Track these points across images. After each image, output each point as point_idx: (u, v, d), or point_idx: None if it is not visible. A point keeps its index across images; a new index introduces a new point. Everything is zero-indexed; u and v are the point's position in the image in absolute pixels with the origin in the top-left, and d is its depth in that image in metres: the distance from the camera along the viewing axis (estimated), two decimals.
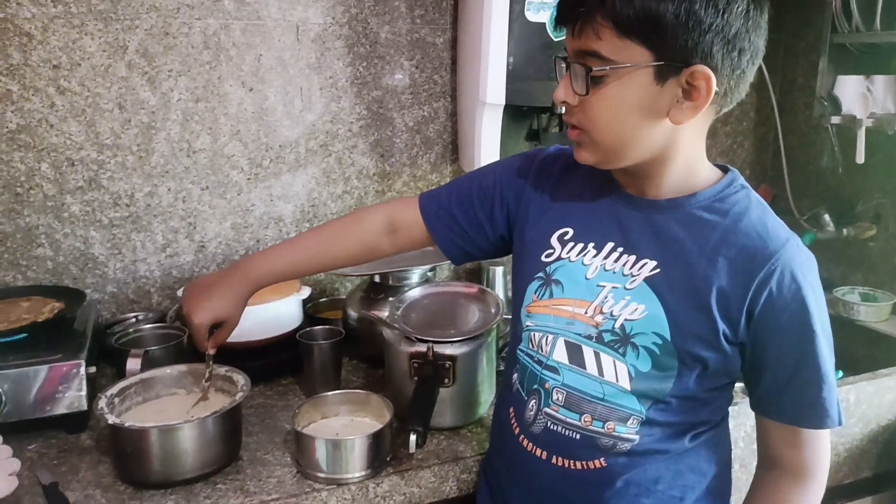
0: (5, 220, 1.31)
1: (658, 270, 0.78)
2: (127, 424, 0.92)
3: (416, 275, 1.34)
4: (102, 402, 0.97)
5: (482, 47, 1.32)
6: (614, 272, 0.81)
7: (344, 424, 1.06)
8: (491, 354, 1.11)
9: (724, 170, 0.82)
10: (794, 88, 1.83)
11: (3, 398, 1.03)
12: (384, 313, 1.28)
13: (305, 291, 1.35)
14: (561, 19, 0.75)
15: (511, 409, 0.89)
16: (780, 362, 0.77)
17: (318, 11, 1.41)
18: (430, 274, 1.38)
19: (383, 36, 1.46)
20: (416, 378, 1.05)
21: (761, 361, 0.78)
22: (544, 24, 1.30)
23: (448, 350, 1.05)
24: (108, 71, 1.31)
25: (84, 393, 1.08)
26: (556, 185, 0.90)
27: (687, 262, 0.77)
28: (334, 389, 1.18)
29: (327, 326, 1.24)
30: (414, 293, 1.19)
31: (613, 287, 0.80)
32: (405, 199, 1.02)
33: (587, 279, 0.82)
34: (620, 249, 0.81)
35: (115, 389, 1.01)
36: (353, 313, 1.33)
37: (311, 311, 1.47)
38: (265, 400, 1.21)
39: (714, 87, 0.71)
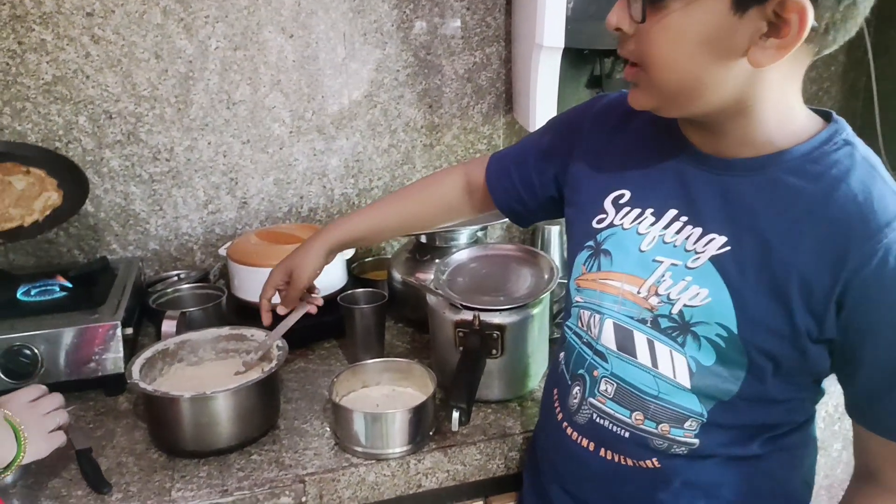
0: None
1: (727, 248, 0.65)
2: (158, 393, 0.88)
3: (464, 235, 1.25)
4: (135, 368, 0.93)
5: None
6: (675, 245, 0.68)
7: (385, 395, 1.00)
8: (543, 323, 1.03)
9: (827, 118, 0.67)
10: (891, 27, 1.63)
11: (41, 359, 1.01)
12: (429, 276, 1.20)
13: (349, 251, 1.29)
14: None
15: (555, 391, 0.81)
16: (877, 364, 0.62)
17: None
18: (480, 234, 1.29)
19: None
20: (461, 348, 0.97)
21: (855, 361, 0.64)
22: None
23: (496, 319, 0.97)
24: (143, 18, 1.24)
25: (121, 355, 1.05)
26: (613, 137, 0.78)
27: (763, 240, 0.64)
28: (377, 355, 1.13)
29: (370, 289, 1.17)
30: (461, 256, 1.11)
31: (672, 264, 0.68)
32: (482, 158, 0.97)
33: (641, 251, 0.70)
34: (684, 219, 0.68)
35: (148, 353, 0.98)
36: (397, 275, 1.26)
37: (357, 271, 1.41)
38: (306, 364, 1.16)
39: (810, 21, 0.55)
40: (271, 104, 1.36)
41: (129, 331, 1.08)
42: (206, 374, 1.01)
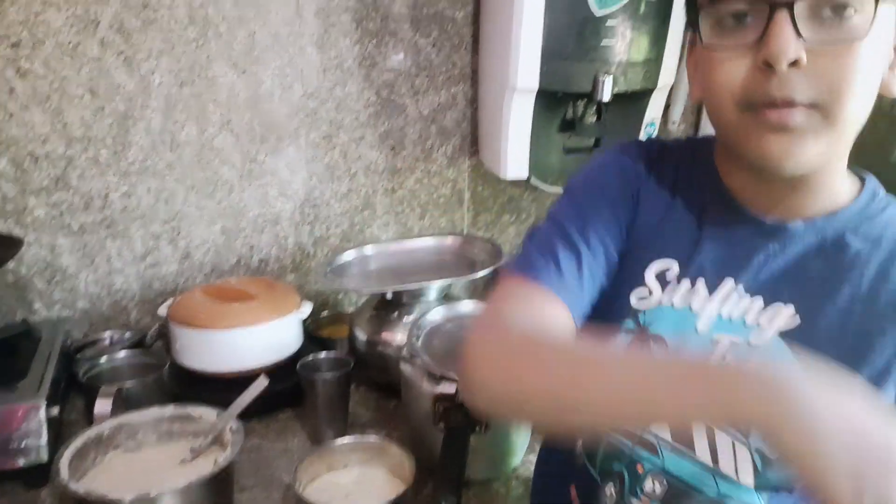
0: None
1: (797, 320, 0.59)
2: (93, 497, 0.74)
3: (433, 290, 1.15)
4: (63, 462, 0.78)
5: (513, 23, 1.12)
6: (732, 320, 0.61)
7: (354, 481, 0.88)
8: None
9: (858, 176, 0.63)
10: None
11: None
12: (396, 336, 1.11)
13: (306, 308, 1.17)
14: None
15: (572, 489, 0.71)
16: None
17: None
18: (450, 288, 1.19)
19: (396, 9, 1.26)
20: (442, 425, 0.87)
21: None
22: None
23: None
24: (78, 50, 1.11)
25: (45, 441, 0.90)
26: (651, 195, 0.67)
27: (838, 310, 0.58)
28: (341, 427, 1.01)
29: (333, 354, 1.06)
30: (435, 316, 1.01)
31: (733, 341, 0.60)
32: (529, 295, 0.66)
33: (698, 332, 0.62)
34: (742, 289, 0.61)
35: (79, 442, 0.83)
36: (361, 335, 1.14)
37: (312, 328, 1.29)
38: (261, 440, 1.03)
39: None
40: (220, 146, 1.23)
41: (55, 411, 0.93)
42: (148, 463, 0.87)
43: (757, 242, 0.62)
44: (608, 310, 0.66)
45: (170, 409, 0.91)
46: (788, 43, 0.50)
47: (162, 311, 1.15)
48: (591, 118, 1.28)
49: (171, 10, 1.13)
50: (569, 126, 1.28)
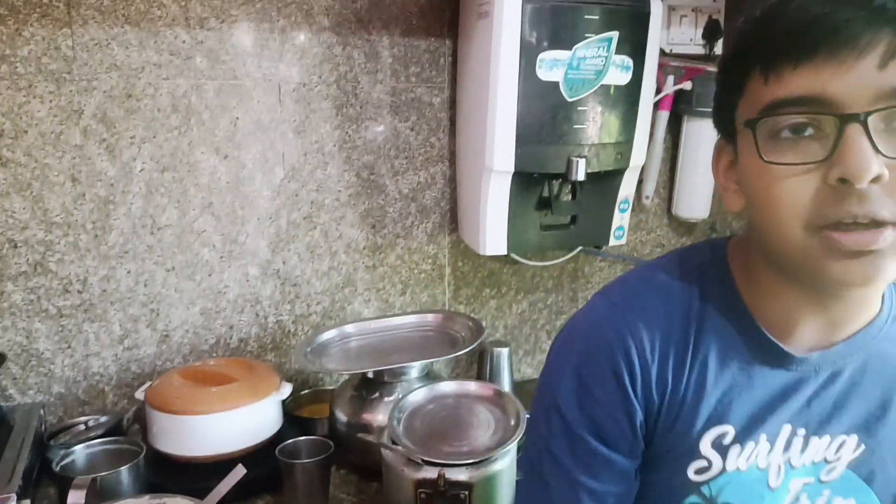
0: None
1: (862, 448, 0.57)
2: None
3: (415, 369, 1.15)
4: None
5: (488, 109, 1.17)
6: (804, 465, 0.59)
7: None
8: (511, 478, 0.93)
9: None
10: None
11: None
12: (377, 417, 1.10)
13: (286, 389, 1.16)
14: (842, 41, 0.47)
15: None
16: None
17: (304, 69, 1.25)
18: (432, 366, 1.20)
19: (375, 96, 1.31)
20: None
21: None
22: (557, 83, 1.15)
23: (462, 476, 0.86)
24: (60, 138, 1.13)
25: None
26: (658, 374, 0.60)
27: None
28: None
29: (312, 438, 1.05)
30: (417, 397, 1.01)
31: (805, 483, 0.58)
32: None
33: (772, 489, 0.59)
34: (803, 432, 0.59)
35: None
36: (341, 416, 1.13)
37: (292, 407, 1.28)
38: None
39: None
40: (201, 228, 1.25)
41: (27, 503, 0.91)
42: None
43: (805, 378, 0.58)
44: (665, 489, 0.62)
45: (145, 500, 0.89)
46: (869, 159, 0.46)
47: (139, 394, 1.14)
48: (566, 196, 1.32)
49: (154, 100, 1.17)
50: (545, 204, 1.31)
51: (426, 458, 0.87)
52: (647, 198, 1.56)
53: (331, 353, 1.19)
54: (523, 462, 0.67)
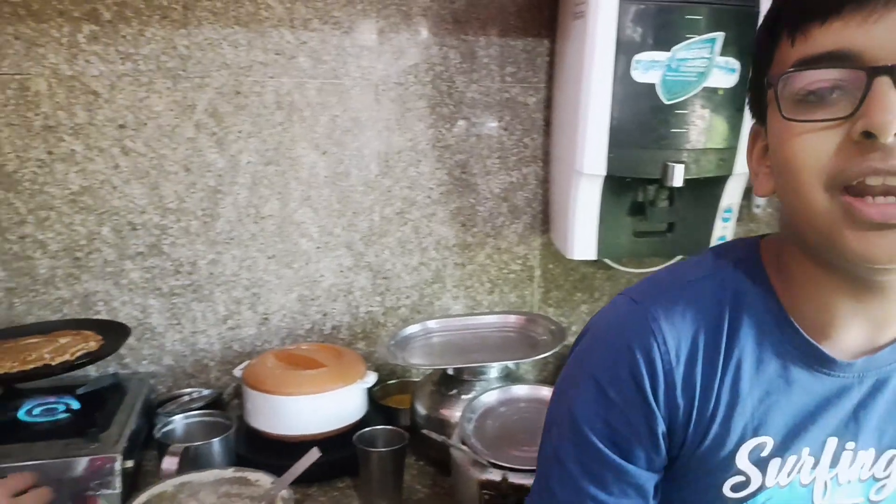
0: (64, 285, 1.25)
1: None
2: None
3: (494, 369, 1.16)
4: None
5: (580, 111, 1.15)
6: (850, 482, 0.55)
7: None
8: None
9: None
10: None
11: None
12: (454, 413, 1.11)
13: (371, 378, 1.20)
14: None
15: None
16: None
17: (400, 69, 1.28)
18: (512, 367, 1.20)
19: (469, 95, 1.32)
20: None
21: None
22: (653, 85, 1.12)
23: (526, 480, 0.86)
24: (175, 131, 1.23)
25: (119, 492, 0.97)
26: (704, 375, 0.56)
27: None
28: (395, 501, 1.03)
29: (390, 428, 1.08)
30: (489, 398, 1.02)
31: (853, 503, 0.55)
32: None
33: None
34: (851, 445, 0.55)
35: (144, 498, 0.88)
36: (421, 410, 1.16)
37: (379, 395, 1.32)
38: None
39: None
40: (300, 219, 1.31)
41: (130, 464, 1.00)
42: None
43: (848, 386, 0.55)
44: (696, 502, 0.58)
45: (230, 472, 0.95)
46: (894, 111, 0.44)
47: (237, 372, 1.22)
48: (663, 202, 1.27)
49: (260, 97, 1.24)
50: (639, 210, 1.27)
51: (492, 461, 0.88)
52: (757, 207, 1.48)
53: (413, 348, 1.22)
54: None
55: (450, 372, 1.17)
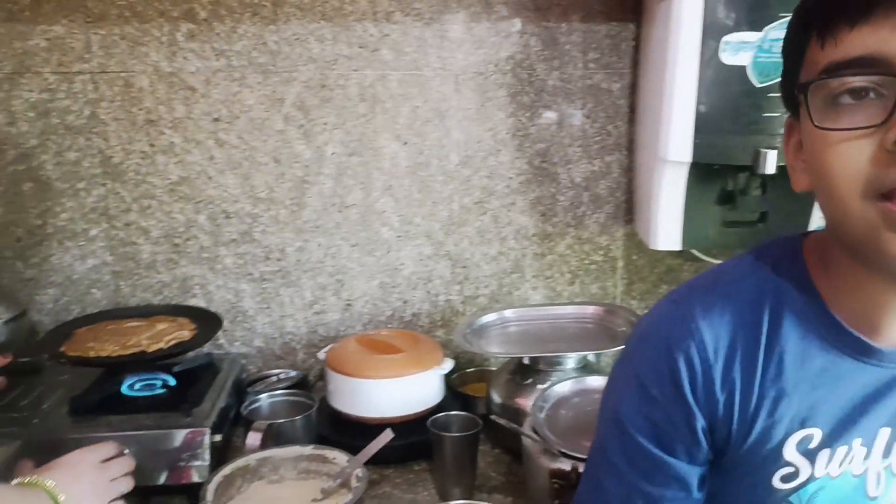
0: (164, 269, 1.33)
1: None
2: None
3: (571, 360, 1.14)
4: (211, 487, 0.89)
5: (665, 96, 1.11)
6: None
7: None
8: None
9: None
10: None
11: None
12: (529, 403, 1.11)
13: (448, 364, 1.22)
14: None
15: None
16: None
17: (480, 59, 1.29)
18: (591, 358, 1.18)
19: (551, 83, 1.31)
20: (556, 502, 0.86)
21: None
22: (744, 67, 1.06)
23: None
24: (265, 124, 1.28)
25: (207, 463, 1.03)
26: (745, 369, 0.57)
27: None
28: (468, 487, 1.04)
29: (464, 414, 1.09)
30: (563, 388, 1.01)
31: None
32: None
33: (871, 498, 0.55)
34: None
35: (227, 470, 0.94)
36: (496, 398, 1.17)
37: (458, 382, 1.33)
38: (391, 489, 1.08)
39: None
40: (382, 209, 1.35)
41: (218, 438, 1.06)
42: (285, 496, 0.96)
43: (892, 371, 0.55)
44: (750, 501, 0.58)
45: (309, 449, 1.00)
46: None
47: (321, 355, 1.26)
48: (755, 191, 1.21)
49: (344, 90, 1.28)
50: (729, 198, 1.22)
51: (562, 450, 0.87)
52: None
53: (489, 336, 1.23)
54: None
55: (525, 361, 1.17)
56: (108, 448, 0.80)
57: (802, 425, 0.56)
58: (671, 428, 0.58)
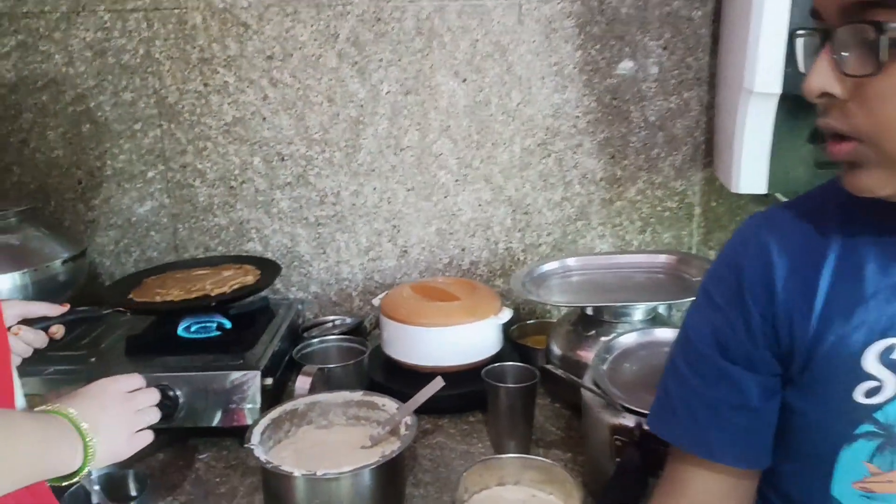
0: (220, 212, 1.32)
1: None
2: (269, 465, 0.81)
3: (639, 311, 1.06)
4: (257, 430, 0.87)
5: (752, 20, 0.99)
6: None
7: (522, 500, 0.84)
8: None
9: None
10: None
11: (180, 402, 1.00)
12: (591, 356, 1.04)
13: (506, 314, 1.16)
14: None
15: None
16: None
17: None
18: (661, 311, 1.09)
19: (624, 11, 1.20)
20: (617, 460, 0.80)
21: None
22: None
23: None
24: (319, 61, 1.23)
25: (258, 406, 1.01)
26: (809, 268, 0.56)
27: None
28: (523, 440, 0.99)
29: (520, 365, 1.03)
30: (628, 339, 0.93)
31: None
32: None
33: None
34: None
35: (275, 413, 0.92)
36: (556, 350, 1.10)
37: (516, 334, 1.28)
38: (445, 439, 1.04)
39: None
40: (438, 151, 1.28)
41: (269, 381, 1.04)
42: (333, 441, 0.93)
43: None
44: (831, 420, 0.55)
45: (358, 395, 0.96)
46: (817, 76, 0.49)
47: (375, 301, 1.23)
48: None
49: (400, 23, 1.20)
50: (821, 136, 1.09)
51: (625, 405, 0.80)
52: None
53: (550, 285, 1.16)
54: None
55: (588, 312, 1.10)
56: (134, 380, 0.77)
57: (883, 335, 0.52)
58: (730, 332, 0.59)
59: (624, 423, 0.80)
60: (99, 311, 1.06)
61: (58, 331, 0.89)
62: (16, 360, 0.83)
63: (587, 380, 0.88)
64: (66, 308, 0.90)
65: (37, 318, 0.86)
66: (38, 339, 0.85)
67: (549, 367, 0.92)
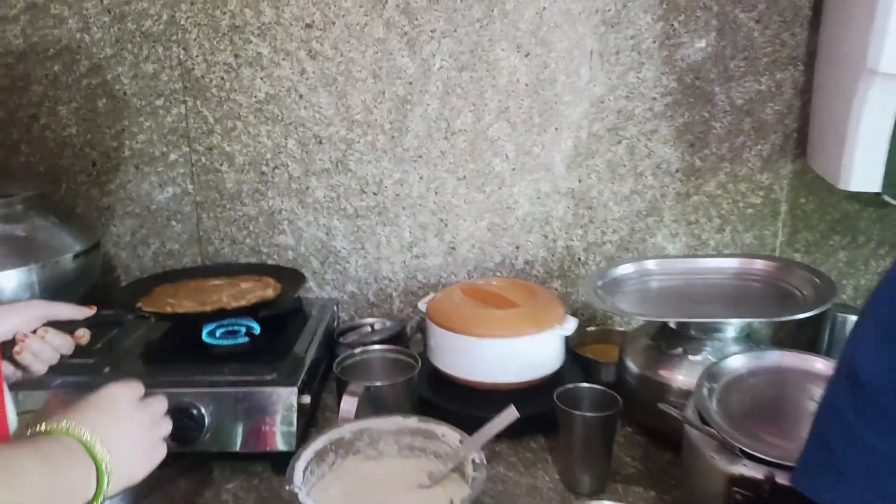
0: (250, 201, 1.19)
1: None
2: None
3: (732, 328, 0.92)
4: (299, 466, 0.74)
5: None
6: None
7: None
8: None
9: None
10: None
11: (206, 422, 0.87)
12: (676, 376, 0.91)
13: (571, 324, 1.02)
14: None
15: None
16: None
17: None
18: (756, 326, 0.95)
19: None
20: None
21: None
22: None
23: None
24: (364, 31, 1.09)
25: (294, 429, 0.88)
26: None
27: None
28: (601, 477, 0.86)
29: (598, 388, 0.89)
30: (735, 363, 0.79)
31: None
32: None
33: None
34: None
35: (319, 444, 0.78)
36: (632, 367, 0.96)
37: (575, 343, 1.13)
38: (506, 470, 0.91)
39: None
40: (494, 136, 1.14)
41: (307, 399, 0.91)
42: (385, 477, 0.79)
43: None
44: None
45: (413, 421, 0.83)
46: None
47: (421, 305, 1.09)
48: None
49: None
50: None
51: (750, 451, 0.66)
52: None
53: (626, 292, 1.01)
54: None
55: (672, 325, 0.95)
56: (139, 387, 0.64)
57: None
58: None
59: (748, 475, 0.65)
60: (125, 315, 0.94)
61: (84, 335, 0.77)
62: (41, 368, 0.72)
63: (690, 412, 0.74)
64: (93, 311, 0.79)
65: (63, 322, 0.75)
66: (66, 343, 0.74)
67: (663, 407, 0.77)
